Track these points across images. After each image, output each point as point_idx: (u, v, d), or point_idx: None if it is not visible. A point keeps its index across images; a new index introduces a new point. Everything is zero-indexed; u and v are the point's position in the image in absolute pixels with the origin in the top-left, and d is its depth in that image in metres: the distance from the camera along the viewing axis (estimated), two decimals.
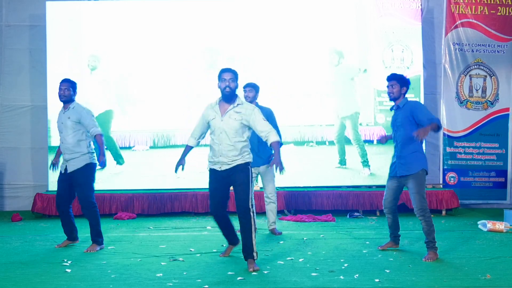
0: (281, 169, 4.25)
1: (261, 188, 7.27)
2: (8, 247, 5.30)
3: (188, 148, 4.59)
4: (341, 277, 3.95)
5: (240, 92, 5.14)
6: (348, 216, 7.41)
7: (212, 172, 4.42)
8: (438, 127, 4.50)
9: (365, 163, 7.97)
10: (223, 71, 4.36)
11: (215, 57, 8.11)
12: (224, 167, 4.32)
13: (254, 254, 4.26)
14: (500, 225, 6.04)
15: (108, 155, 8.04)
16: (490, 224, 6.07)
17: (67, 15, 8.18)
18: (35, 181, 8.49)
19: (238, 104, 4.33)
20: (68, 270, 4.22)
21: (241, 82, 4.44)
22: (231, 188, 4.43)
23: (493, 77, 8.39)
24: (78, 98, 5.27)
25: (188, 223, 6.91)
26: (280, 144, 4.32)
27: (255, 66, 8.04)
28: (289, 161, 7.66)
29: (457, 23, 8.31)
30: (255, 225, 4.29)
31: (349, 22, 8.24)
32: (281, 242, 5.48)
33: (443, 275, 4.01)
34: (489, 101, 8.39)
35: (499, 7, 8.34)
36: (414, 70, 8.15)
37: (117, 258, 4.68)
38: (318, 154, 8.05)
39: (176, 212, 7.60)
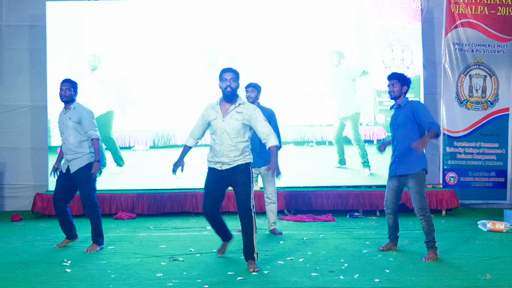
0: (277, 174, 4.26)
1: (261, 188, 7.27)
2: (8, 247, 5.30)
3: (186, 149, 4.55)
4: (341, 277, 3.95)
5: (242, 92, 5.14)
6: (348, 216, 7.41)
7: (212, 171, 4.39)
8: (437, 135, 4.53)
9: (366, 163, 7.97)
10: (224, 71, 4.33)
11: (215, 57, 8.11)
12: (224, 167, 4.30)
13: (255, 255, 4.24)
14: (500, 225, 6.04)
15: (109, 156, 8.05)
16: (490, 224, 6.07)
17: (67, 15, 8.19)
18: (35, 181, 8.50)
19: (239, 104, 4.31)
20: (68, 270, 4.22)
21: (241, 82, 4.43)
22: (230, 188, 4.43)
23: (493, 77, 8.40)
24: (78, 98, 5.27)
25: (188, 223, 6.91)
26: (279, 147, 4.31)
27: (255, 66, 8.04)
28: (289, 161, 7.70)
29: (457, 23, 8.31)
30: (255, 226, 4.28)
31: (349, 22, 8.24)
32: (281, 242, 5.48)
33: (443, 275, 4.00)
34: (489, 101, 8.39)
35: (499, 7, 8.34)
36: (414, 70, 8.15)
37: (117, 258, 4.68)
38: (318, 154, 8.06)
39: (176, 212, 7.60)
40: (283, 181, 7.09)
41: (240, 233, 4.34)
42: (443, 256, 4.67)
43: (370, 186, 7.95)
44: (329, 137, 8.10)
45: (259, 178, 6.50)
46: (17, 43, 8.59)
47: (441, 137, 8.26)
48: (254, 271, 4.14)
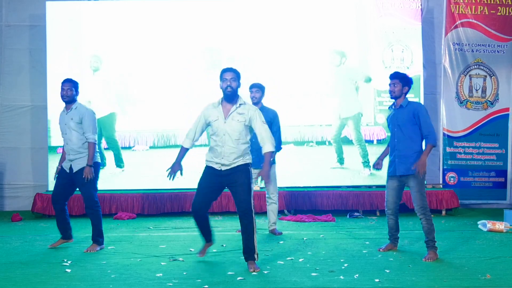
0: (267, 182, 4.26)
1: (261, 188, 7.27)
2: (8, 247, 5.30)
3: (183, 151, 4.45)
4: (341, 277, 3.95)
5: (245, 92, 5.11)
6: (348, 216, 7.41)
7: (210, 169, 4.35)
8: (433, 147, 4.66)
9: (366, 163, 7.97)
10: (225, 70, 4.32)
11: (215, 57, 8.11)
12: (224, 168, 4.29)
13: (255, 255, 4.23)
14: (500, 225, 6.04)
15: (109, 156, 8.05)
16: (490, 224, 6.07)
17: (67, 15, 8.19)
18: (35, 181, 8.50)
19: (240, 105, 4.28)
20: (68, 270, 4.22)
21: (242, 82, 4.41)
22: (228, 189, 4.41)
23: (493, 77, 8.40)
24: (78, 99, 5.26)
25: (188, 223, 6.91)
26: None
27: (255, 66, 8.04)
28: (289, 161, 7.70)
29: (457, 23, 8.31)
30: (256, 226, 4.27)
31: (349, 22, 8.24)
32: (281, 242, 5.48)
33: (443, 275, 4.00)
34: (489, 101, 8.39)
35: (499, 7, 8.34)
36: (414, 70, 8.15)
37: (117, 258, 4.67)
38: (318, 154, 8.06)
39: (176, 212, 7.60)
40: (283, 181, 7.10)
41: (240, 233, 4.32)
42: (443, 256, 4.67)
43: (370, 186, 7.95)
44: (329, 137, 8.10)
45: (259, 178, 6.49)
46: (17, 43, 8.59)
47: (441, 137, 8.26)
48: (254, 271, 4.13)
